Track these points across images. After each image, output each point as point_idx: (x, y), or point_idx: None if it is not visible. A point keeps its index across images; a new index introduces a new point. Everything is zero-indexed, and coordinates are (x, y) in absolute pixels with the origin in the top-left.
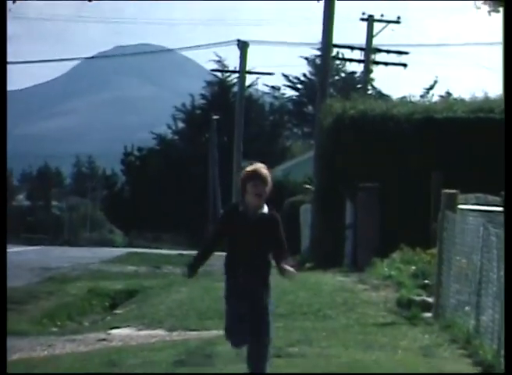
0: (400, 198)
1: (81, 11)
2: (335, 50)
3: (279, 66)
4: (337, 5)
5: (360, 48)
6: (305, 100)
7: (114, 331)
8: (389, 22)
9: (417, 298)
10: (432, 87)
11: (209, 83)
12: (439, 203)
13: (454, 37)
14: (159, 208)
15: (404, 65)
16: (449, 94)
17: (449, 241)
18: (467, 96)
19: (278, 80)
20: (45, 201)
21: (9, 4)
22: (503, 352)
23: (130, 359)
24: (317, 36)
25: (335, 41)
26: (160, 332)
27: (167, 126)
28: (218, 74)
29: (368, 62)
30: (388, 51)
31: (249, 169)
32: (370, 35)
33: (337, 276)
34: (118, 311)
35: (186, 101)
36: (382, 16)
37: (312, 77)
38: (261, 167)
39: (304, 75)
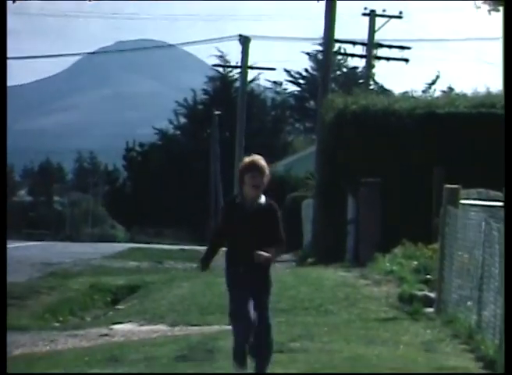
0: (402, 193)
1: (82, 7)
2: (337, 45)
3: (280, 61)
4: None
5: (362, 43)
6: (307, 95)
7: (116, 326)
8: (390, 17)
9: (419, 293)
10: (433, 82)
11: (211, 79)
12: (441, 198)
13: (456, 32)
14: (161, 203)
15: (406, 60)
16: (451, 89)
17: (451, 236)
18: (469, 91)
19: (280, 76)
20: (47, 197)
21: (9, 2)
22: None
23: (132, 354)
24: (319, 31)
25: (337, 36)
26: (162, 327)
27: (169, 122)
28: (220, 69)
29: (370, 57)
30: (390, 46)
31: (246, 160)
32: (372, 30)
33: (339, 272)
34: (120, 306)
35: (188, 96)
36: (383, 11)
37: (314, 72)
38: (258, 158)
39: (306, 70)
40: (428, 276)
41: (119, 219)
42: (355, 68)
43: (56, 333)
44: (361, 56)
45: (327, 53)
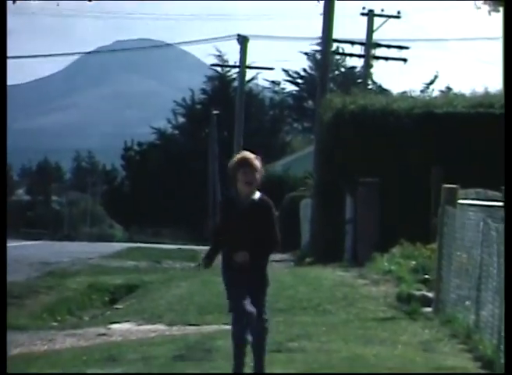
0: (400, 193)
1: (81, 6)
2: (335, 45)
3: (279, 60)
4: None
5: (361, 43)
6: (305, 95)
7: (114, 326)
8: (389, 17)
9: (417, 293)
10: (432, 82)
11: (209, 78)
12: (439, 198)
13: (455, 31)
14: (159, 203)
15: (404, 60)
16: (449, 89)
17: (450, 236)
18: (467, 91)
19: (278, 75)
20: (45, 196)
21: (9, 2)
22: (502, 347)
23: (130, 354)
24: (317, 31)
25: (335, 35)
26: (160, 327)
27: (167, 121)
28: (218, 69)
29: (368, 57)
30: (388, 46)
31: (238, 157)
32: (370, 30)
33: (337, 271)
34: (118, 306)
35: (186, 95)
36: (382, 10)
37: (312, 72)
38: (250, 154)
39: (304, 70)
40: (427, 276)
41: (117, 219)
42: (353, 68)
43: (54, 332)
44: (360, 56)
45: (325, 53)
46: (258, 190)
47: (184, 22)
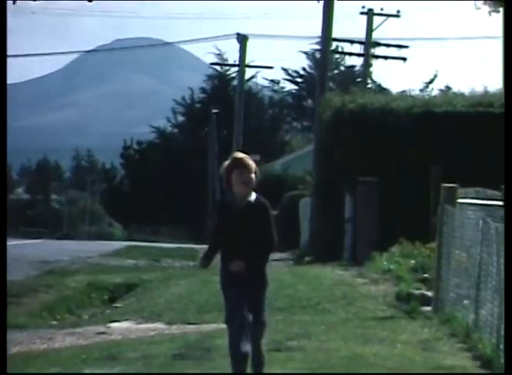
0: (399, 192)
1: (81, 5)
2: (334, 44)
3: (278, 59)
4: None
5: (360, 42)
6: (304, 94)
7: (113, 324)
8: (388, 16)
9: (417, 292)
10: (431, 81)
11: (209, 77)
12: (439, 197)
13: (454, 30)
14: (158, 201)
15: (404, 59)
16: (448, 88)
17: (449, 235)
18: (466, 90)
19: (277, 74)
20: (44, 195)
21: (9, 2)
22: (502, 346)
23: (129, 353)
24: (316, 30)
25: (334, 34)
26: (159, 325)
27: (167, 120)
28: (218, 68)
29: (368, 56)
30: (387, 45)
31: (232, 158)
32: (369, 29)
33: (336, 270)
34: (117, 304)
35: (185, 94)
36: (381, 9)
37: (311, 71)
38: (243, 155)
39: (304, 69)
40: (426, 275)
41: (116, 218)
42: (353, 67)
43: (53, 331)
44: (359, 55)
45: (325, 52)
46: (255, 191)
47: (184, 21)
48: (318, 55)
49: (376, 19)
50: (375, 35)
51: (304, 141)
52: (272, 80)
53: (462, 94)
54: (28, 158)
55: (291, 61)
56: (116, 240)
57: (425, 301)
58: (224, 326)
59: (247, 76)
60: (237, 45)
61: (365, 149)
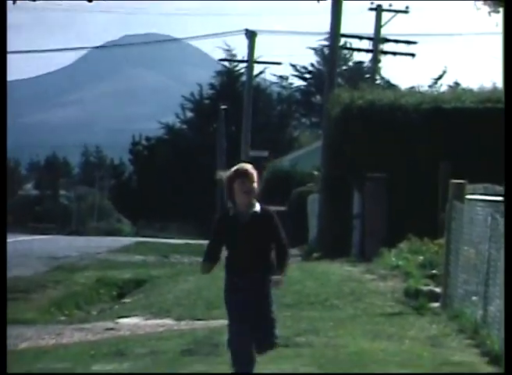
0: (408, 188)
1: (82, 4)
2: (343, 39)
3: (286, 55)
4: None
5: (369, 38)
6: (313, 90)
7: (122, 320)
8: (397, 12)
9: (425, 288)
10: (440, 77)
11: (218, 73)
12: (447, 193)
13: (463, 26)
14: (167, 197)
15: (412, 55)
16: (457, 84)
17: (457, 231)
18: (475, 86)
19: (285, 70)
20: (53, 191)
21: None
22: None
23: (138, 348)
24: (325, 26)
25: (343, 30)
26: (168, 321)
27: (175, 116)
28: (226, 64)
29: (377, 52)
30: (396, 41)
31: (233, 169)
32: (378, 25)
33: (344, 266)
34: (126, 300)
35: (194, 90)
36: (390, 5)
37: (320, 67)
38: (245, 165)
39: (312, 65)
40: (434, 271)
41: (125, 213)
42: (361, 62)
43: (62, 326)
44: (368, 51)
45: (333, 47)
46: (258, 201)
47: (192, 17)
48: (326, 51)
49: (385, 15)
50: (384, 31)
51: (313, 137)
52: (281, 76)
53: (471, 90)
54: (37, 154)
55: (300, 57)
56: (125, 236)
57: (434, 297)
58: None
59: (256, 72)
60: (246, 41)
61: (374, 145)
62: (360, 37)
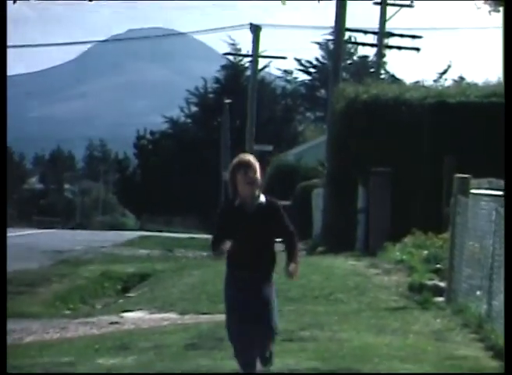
0: (413, 183)
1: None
2: (347, 34)
3: (291, 49)
4: None
5: (374, 32)
6: (318, 84)
7: (126, 314)
8: (402, 6)
9: (429, 283)
10: (445, 72)
11: (222, 67)
12: (452, 188)
13: (468, 20)
14: (171, 191)
15: (417, 49)
16: (462, 78)
17: (462, 226)
18: (480, 80)
19: (290, 64)
20: (58, 185)
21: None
22: None
23: (142, 342)
24: (330, 20)
25: (348, 24)
26: (172, 315)
27: (180, 110)
28: (231, 58)
29: (381, 47)
30: (401, 35)
31: (234, 161)
32: (383, 19)
33: (349, 261)
34: (130, 294)
35: (199, 84)
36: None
37: (325, 61)
38: (246, 155)
39: (317, 59)
40: (439, 266)
41: (129, 208)
42: (366, 57)
43: (67, 320)
44: (372, 45)
45: (338, 42)
46: (264, 193)
47: (197, 11)
48: (331, 45)
49: (390, 10)
50: (389, 25)
51: (317, 131)
52: (285, 71)
53: (476, 85)
54: (41, 148)
55: (304, 51)
56: (129, 230)
57: (438, 291)
58: None
59: (260, 66)
60: (250, 35)
61: (378, 140)
62: (365, 32)
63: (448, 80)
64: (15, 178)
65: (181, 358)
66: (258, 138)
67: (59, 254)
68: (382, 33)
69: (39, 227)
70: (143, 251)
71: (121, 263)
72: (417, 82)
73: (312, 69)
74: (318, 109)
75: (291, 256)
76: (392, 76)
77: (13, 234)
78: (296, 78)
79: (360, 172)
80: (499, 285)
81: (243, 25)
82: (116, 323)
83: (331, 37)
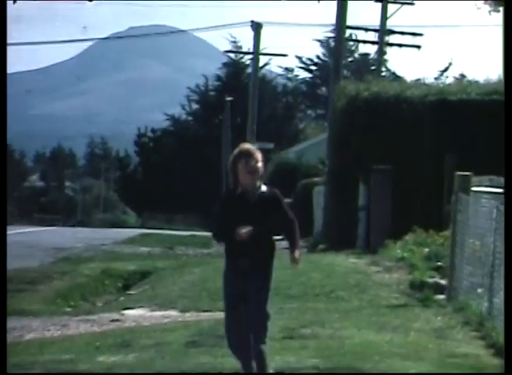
0: (414, 181)
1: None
2: (348, 31)
3: (292, 47)
4: None
5: (374, 30)
6: (319, 81)
7: (127, 312)
8: (403, 3)
9: (430, 280)
10: (446, 69)
11: (224, 65)
12: (453, 185)
13: (469, 18)
14: (172, 189)
15: (418, 46)
16: (463, 76)
17: (463, 224)
18: (481, 78)
19: (291, 62)
20: (58, 182)
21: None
22: None
23: (143, 340)
24: (331, 17)
25: (348, 22)
26: (173, 313)
27: (181, 107)
28: (232, 55)
29: (382, 44)
30: (402, 33)
31: (235, 150)
32: (384, 16)
33: (350, 258)
34: (131, 292)
35: (200, 82)
36: None
37: (326, 59)
38: (247, 144)
39: (318, 56)
40: (440, 263)
41: (130, 205)
42: (367, 54)
43: (68, 318)
44: (373, 43)
45: (339, 39)
46: (265, 184)
47: (198, 8)
48: (332, 42)
49: (391, 7)
50: (390, 23)
51: (318, 129)
52: (286, 68)
53: (477, 82)
54: (42, 145)
55: (305, 49)
56: (130, 227)
57: (439, 289)
58: None
59: (261, 63)
60: (251, 33)
61: (379, 137)
62: (366, 29)
63: (449, 78)
64: (15, 176)
65: (182, 356)
66: (259, 136)
67: (60, 251)
68: (383, 31)
69: (40, 225)
70: (144, 249)
71: (122, 261)
72: (418, 80)
73: (313, 67)
74: (319, 107)
75: (293, 243)
76: (393, 73)
77: (14, 232)
78: (297, 76)
79: (361, 169)
80: (500, 283)
81: (244, 23)
82: (117, 320)
83: (332, 35)
